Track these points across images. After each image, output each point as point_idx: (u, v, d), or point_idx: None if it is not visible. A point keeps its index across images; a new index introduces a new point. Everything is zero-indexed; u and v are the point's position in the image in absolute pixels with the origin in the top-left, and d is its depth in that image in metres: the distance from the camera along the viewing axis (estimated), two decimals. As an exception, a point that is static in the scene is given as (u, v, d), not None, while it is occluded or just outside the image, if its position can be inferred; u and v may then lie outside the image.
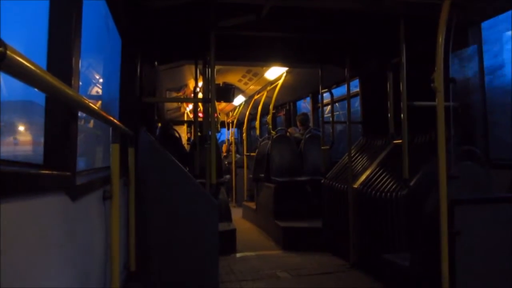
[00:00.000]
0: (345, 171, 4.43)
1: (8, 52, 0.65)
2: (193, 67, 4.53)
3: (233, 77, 7.19)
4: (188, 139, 9.35)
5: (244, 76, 7.01)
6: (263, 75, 6.48)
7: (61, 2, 1.43)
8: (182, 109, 10.14)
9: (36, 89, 0.88)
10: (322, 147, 4.94)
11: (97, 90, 4.18)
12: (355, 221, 4.02)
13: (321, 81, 4.84)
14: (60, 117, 1.41)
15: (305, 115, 6.66)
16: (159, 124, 6.04)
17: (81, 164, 2.15)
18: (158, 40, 3.88)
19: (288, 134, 6.67)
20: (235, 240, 4.94)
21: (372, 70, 4.49)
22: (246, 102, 8.69)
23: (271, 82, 6.70)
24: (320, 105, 5.51)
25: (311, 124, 6.66)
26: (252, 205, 7.03)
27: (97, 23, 2.71)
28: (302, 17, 3.65)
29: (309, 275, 3.84)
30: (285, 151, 6.14)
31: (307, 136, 6.10)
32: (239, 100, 8.67)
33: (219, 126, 7.90)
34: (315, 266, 4.12)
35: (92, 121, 3.78)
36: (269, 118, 7.49)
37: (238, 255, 4.73)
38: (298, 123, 6.70)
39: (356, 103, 5.31)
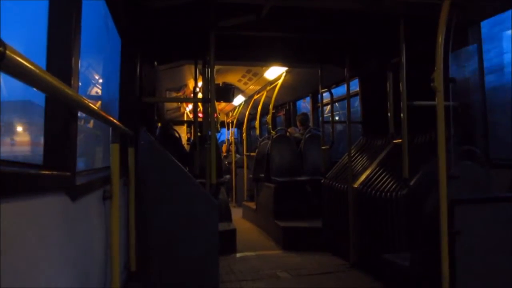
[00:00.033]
0: (345, 171, 4.43)
1: (7, 52, 0.65)
2: (193, 67, 4.53)
3: (233, 77, 7.19)
4: (188, 139, 9.36)
5: (244, 76, 7.01)
6: (263, 75, 6.47)
7: (60, 2, 1.42)
8: (182, 109, 10.14)
9: (35, 89, 0.88)
10: (322, 147, 4.94)
11: (96, 90, 4.18)
12: (355, 221, 4.02)
13: (321, 81, 4.83)
14: (60, 117, 1.41)
15: (305, 115, 6.66)
16: (159, 124, 6.04)
17: (80, 165, 2.15)
18: (158, 40, 3.88)
19: (288, 134, 6.67)
20: (235, 240, 4.94)
21: (372, 70, 4.49)
22: (246, 102, 8.68)
23: (271, 82, 6.70)
24: (320, 105, 5.51)
25: (311, 124, 6.66)
26: (252, 205, 7.03)
27: (96, 23, 2.71)
28: (302, 17, 3.65)
29: (309, 275, 3.84)
30: (285, 151, 6.14)
31: (307, 136, 6.10)
32: (238, 100, 8.66)
33: (219, 126, 7.90)
34: (315, 266, 4.12)
35: (92, 121, 3.78)
36: (269, 118, 7.49)
37: (238, 255, 4.73)
38: (298, 123, 6.70)
39: (356, 103, 5.31)
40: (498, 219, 2.36)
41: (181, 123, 10.22)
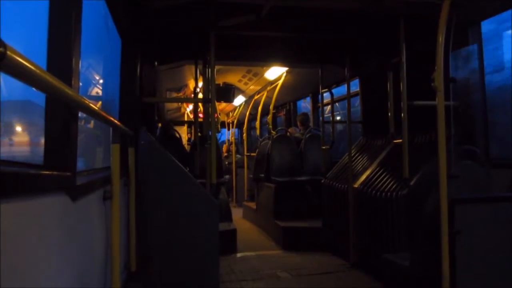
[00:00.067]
0: (345, 171, 4.43)
1: (8, 52, 0.65)
2: (193, 67, 4.53)
3: (233, 77, 7.19)
4: (189, 140, 9.36)
5: (244, 76, 7.01)
6: (263, 75, 6.48)
7: (60, 2, 1.43)
8: (182, 110, 10.14)
9: (36, 89, 0.88)
10: (322, 147, 4.94)
11: (97, 90, 4.18)
12: (355, 221, 4.01)
13: (321, 81, 4.83)
14: (60, 117, 1.41)
15: (305, 115, 6.66)
16: (160, 125, 6.04)
17: (80, 165, 2.15)
18: (158, 40, 3.88)
19: (288, 134, 6.67)
20: (236, 240, 4.94)
21: (372, 69, 4.49)
22: (246, 102, 8.69)
23: (271, 82, 6.70)
24: (320, 105, 5.50)
25: (311, 124, 6.66)
26: (253, 205, 7.03)
27: (97, 23, 2.71)
28: (302, 17, 3.65)
29: (309, 275, 3.84)
30: (285, 151, 6.14)
31: (307, 136, 6.10)
32: (239, 100, 8.67)
33: (219, 126, 7.90)
34: (315, 266, 4.12)
35: (92, 122, 3.79)
36: (269, 118, 7.49)
37: (238, 255, 4.73)
38: (298, 123, 6.70)
39: (356, 102, 5.31)
40: (498, 219, 2.36)
41: (182, 123, 10.22)
